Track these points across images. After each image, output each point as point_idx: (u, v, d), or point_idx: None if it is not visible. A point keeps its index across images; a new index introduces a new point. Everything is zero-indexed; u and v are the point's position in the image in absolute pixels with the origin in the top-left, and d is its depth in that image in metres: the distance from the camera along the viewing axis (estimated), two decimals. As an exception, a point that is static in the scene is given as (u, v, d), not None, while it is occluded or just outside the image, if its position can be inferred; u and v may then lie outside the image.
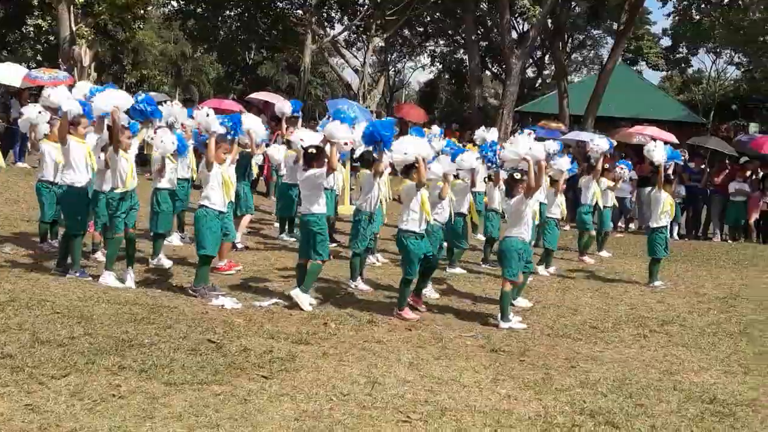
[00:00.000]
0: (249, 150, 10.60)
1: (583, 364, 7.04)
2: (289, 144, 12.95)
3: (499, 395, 5.94)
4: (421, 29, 40.93)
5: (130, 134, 8.74)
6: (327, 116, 13.05)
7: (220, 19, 33.85)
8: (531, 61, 42.47)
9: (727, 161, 19.50)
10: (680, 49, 48.69)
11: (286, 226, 12.97)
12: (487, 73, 46.05)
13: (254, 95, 24.47)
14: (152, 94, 28.23)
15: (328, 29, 34.14)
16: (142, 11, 26.72)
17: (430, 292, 9.43)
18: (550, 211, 11.75)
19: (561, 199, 11.81)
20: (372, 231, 10.01)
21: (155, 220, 9.74)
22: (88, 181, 8.84)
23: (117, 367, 5.70)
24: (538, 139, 10.09)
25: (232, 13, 34.45)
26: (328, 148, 8.52)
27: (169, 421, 4.83)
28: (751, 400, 6.20)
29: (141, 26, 30.47)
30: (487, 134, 12.44)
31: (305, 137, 10.06)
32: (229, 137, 8.72)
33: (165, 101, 13.85)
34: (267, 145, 13.03)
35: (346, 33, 36.37)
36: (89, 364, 5.69)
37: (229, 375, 5.81)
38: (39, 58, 34.81)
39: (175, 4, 34.54)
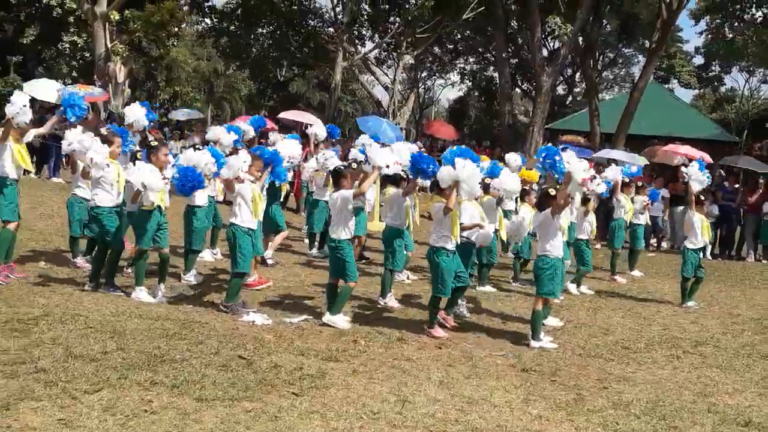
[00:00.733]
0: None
1: (615, 384, 6.96)
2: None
3: (530, 416, 5.89)
4: (452, 46, 41.04)
5: (167, 151, 8.85)
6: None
7: (252, 36, 34.19)
8: (561, 78, 42.37)
9: (760, 180, 19.26)
10: (713, 68, 48.36)
11: (316, 242, 13.01)
12: (517, 90, 46.01)
13: (285, 114, 24.63)
14: (186, 111, 28.61)
15: (359, 47, 34.35)
16: (176, 29, 27.09)
17: (462, 310, 9.39)
18: (580, 233, 11.62)
19: (592, 218, 11.69)
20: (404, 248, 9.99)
21: (190, 237, 9.82)
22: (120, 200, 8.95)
23: (149, 383, 5.74)
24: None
25: (265, 31, 34.77)
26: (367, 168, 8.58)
27: (201, 437, 4.86)
28: (787, 424, 6.10)
29: (175, 43, 30.86)
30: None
31: (329, 156, 10.35)
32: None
33: (199, 119, 13.98)
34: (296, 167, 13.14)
35: (376, 50, 36.58)
36: (122, 379, 5.74)
37: (260, 391, 5.83)
38: (74, 74, 35.33)
39: (208, 21, 34.94)
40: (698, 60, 48.71)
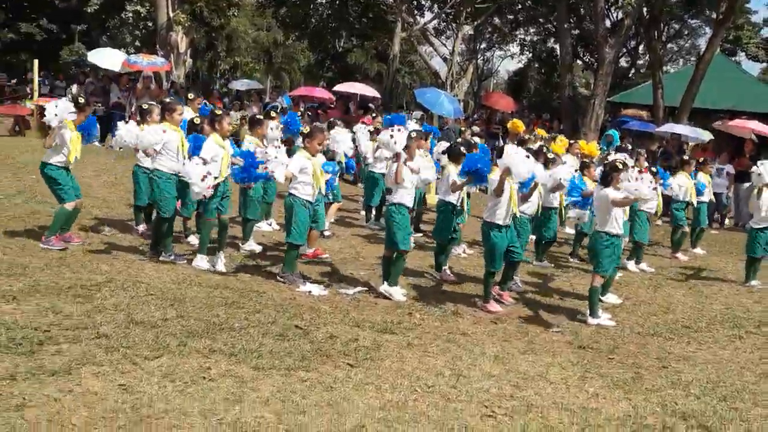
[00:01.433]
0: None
1: (674, 364, 6.85)
2: (377, 133, 13.04)
3: (587, 393, 5.83)
4: (512, 17, 40.37)
5: (230, 120, 8.89)
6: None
7: (311, 6, 34.22)
8: (625, 50, 41.43)
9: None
10: (782, 40, 46.76)
11: (373, 214, 13.03)
12: (579, 62, 45.16)
13: (342, 86, 24.64)
14: (245, 81, 28.78)
15: (417, 17, 34.06)
16: (237, -1, 27.23)
17: (516, 286, 9.33)
18: (643, 205, 11.37)
19: (656, 191, 11.41)
20: (457, 222, 9.92)
21: (245, 206, 9.91)
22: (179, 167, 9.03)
23: (208, 350, 5.83)
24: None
25: (324, 1, 34.74)
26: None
27: (257, 406, 4.92)
28: None
29: (235, 13, 31.02)
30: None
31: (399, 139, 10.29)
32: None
33: (257, 89, 14.12)
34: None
35: (435, 21, 36.24)
36: (181, 346, 5.84)
37: (316, 362, 5.88)
38: (137, 43, 35.85)
39: (268, -9, 35.05)
40: (766, 32, 47.15)
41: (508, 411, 5.31)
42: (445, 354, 6.46)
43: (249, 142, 9.93)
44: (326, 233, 11.32)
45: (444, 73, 32.41)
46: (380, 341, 6.58)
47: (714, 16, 28.75)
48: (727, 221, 18.29)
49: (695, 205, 13.26)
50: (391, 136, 8.64)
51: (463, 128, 18.24)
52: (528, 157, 8.07)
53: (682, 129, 21.19)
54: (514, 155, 7.94)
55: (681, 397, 5.92)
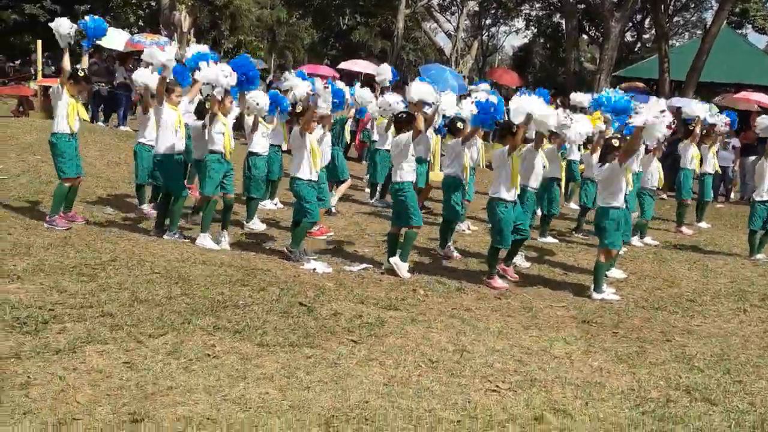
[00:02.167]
0: (344, 115, 10.89)
1: (679, 338, 6.85)
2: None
3: (590, 367, 5.84)
4: (517, -8, 40.20)
5: (231, 98, 8.89)
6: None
7: (315, -17, 34.01)
8: (630, 24, 41.14)
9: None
10: (790, 12, 46.30)
11: (378, 192, 13.02)
12: (584, 36, 44.90)
13: (346, 64, 24.54)
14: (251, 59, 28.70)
15: (422, -7, 33.87)
16: (240, -23, 27.09)
17: (520, 261, 9.33)
18: (645, 180, 11.33)
19: (657, 165, 11.36)
20: (462, 198, 9.91)
21: (248, 184, 9.92)
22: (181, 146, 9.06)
23: (212, 328, 5.85)
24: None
25: (327, -21, 34.56)
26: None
27: (262, 382, 4.94)
28: None
29: (238, -8, 30.91)
30: (584, 99, 12.20)
31: (392, 101, 10.30)
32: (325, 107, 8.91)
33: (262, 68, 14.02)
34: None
35: (440, -3, 36.04)
36: (185, 324, 5.86)
37: (320, 338, 5.89)
38: (140, 23, 35.74)
39: (271, -31, 34.84)
40: (774, 3, 46.69)
41: (512, 386, 5.32)
42: (449, 330, 6.47)
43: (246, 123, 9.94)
44: (333, 210, 11.34)
45: (449, 49, 32.31)
46: (384, 317, 6.59)
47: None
48: (732, 195, 18.23)
49: (698, 176, 13.20)
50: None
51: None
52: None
53: (687, 103, 21.06)
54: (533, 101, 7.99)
55: (685, 371, 5.92)
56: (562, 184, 11.31)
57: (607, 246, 8.17)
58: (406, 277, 8.23)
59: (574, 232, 11.88)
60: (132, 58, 20.70)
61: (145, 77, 9.74)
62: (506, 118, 8.52)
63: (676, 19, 47.92)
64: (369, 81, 23.22)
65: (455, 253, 9.60)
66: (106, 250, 7.87)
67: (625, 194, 8.39)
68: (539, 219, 11.15)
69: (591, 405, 5.09)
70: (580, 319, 7.25)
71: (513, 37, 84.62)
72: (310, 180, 8.52)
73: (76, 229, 8.74)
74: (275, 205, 11.62)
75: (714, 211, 15.07)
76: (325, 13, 38.05)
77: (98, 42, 21.35)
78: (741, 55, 29.00)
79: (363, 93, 11.90)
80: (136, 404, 4.46)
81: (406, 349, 5.83)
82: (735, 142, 17.53)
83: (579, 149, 12.47)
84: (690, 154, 12.83)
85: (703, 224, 13.56)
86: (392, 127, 9.30)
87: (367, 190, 13.66)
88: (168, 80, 8.91)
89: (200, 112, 9.22)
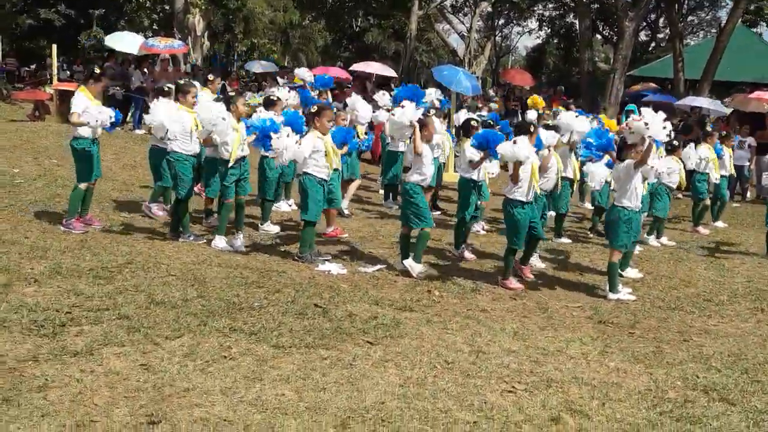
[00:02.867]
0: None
1: (696, 337, 6.81)
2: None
3: (607, 368, 5.82)
4: (530, -8, 40.07)
5: (244, 101, 8.92)
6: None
7: (328, -14, 34.05)
8: (645, 23, 40.95)
9: None
10: (805, 10, 45.94)
11: (391, 194, 13.02)
12: (598, 36, 44.73)
13: (359, 66, 24.52)
14: (262, 62, 28.72)
15: (434, -6, 33.86)
16: (253, -19, 27.16)
17: (536, 261, 9.30)
18: (665, 179, 11.27)
19: (679, 165, 11.32)
20: (478, 199, 9.88)
21: (263, 187, 9.95)
22: (196, 149, 9.09)
23: (228, 329, 5.87)
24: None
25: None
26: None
27: (278, 384, 4.95)
28: None
29: (252, -5, 30.97)
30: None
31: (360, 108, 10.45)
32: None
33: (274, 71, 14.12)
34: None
35: (452, -2, 36.00)
36: (202, 326, 5.88)
37: (335, 340, 5.90)
38: (155, 27, 35.90)
39: (284, -28, 34.93)
40: (789, 2, 46.34)
41: (528, 386, 5.31)
42: (464, 330, 6.46)
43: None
44: (345, 212, 11.34)
45: (462, 50, 32.25)
46: (399, 319, 6.59)
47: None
48: (748, 194, 18.11)
49: (716, 180, 13.10)
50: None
51: (479, 105, 18.14)
52: None
53: (703, 102, 20.95)
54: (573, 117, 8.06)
55: (702, 371, 5.88)
56: (575, 184, 11.27)
57: (619, 247, 8.13)
58: (420, 277, 8.21)
59: (589, 232, 11.83)
60: (147, 61, 20.82)
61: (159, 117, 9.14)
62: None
63: (690, 18, 47.66)
64: (381, 82, 23.27)
65: (470, 254, 9.59)
66: (122, 252, 7.91)
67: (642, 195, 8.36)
68: (553, 220, 11.11)
69: (608, 405, 5.07)
70: (596, 319, 7.23)
71: (526, 37, 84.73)
72: (322, 179, 8.52)
73: (93, 232, 8.79)
74: (290, 206, 11.64)
75: (730, 211, 14.98)
76: (338, 16, 38.08)
77: (112, 46, 21.54)
78: (756, 53, 28.81)
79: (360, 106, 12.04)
80: (153, 406, 4.48)
81: (421, 350, 5.83)
82: (751, 141, 17.41)
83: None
84: (706, 158, 12.75)
85: (720, 224, 13.47)
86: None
87: (381, 191, 13.66)
88: (184, 82, 8.96)
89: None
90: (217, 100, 9.59)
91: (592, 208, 12.44)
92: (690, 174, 13.04)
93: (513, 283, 8.27)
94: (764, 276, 9.58)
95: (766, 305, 8.14)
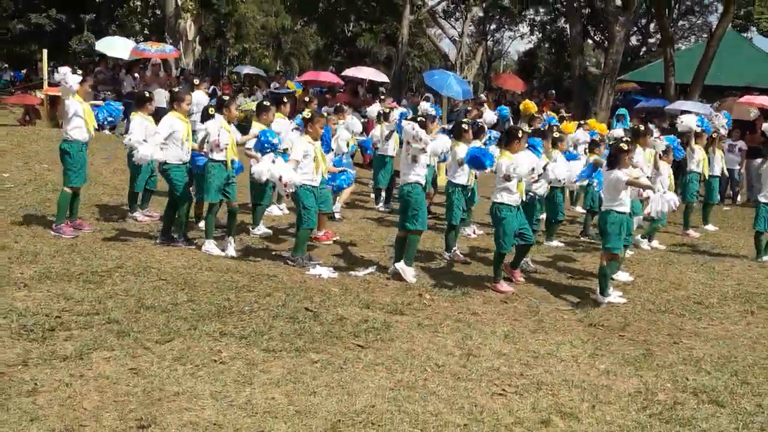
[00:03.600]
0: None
1: (686, 340, 6.83)
2: (385, 117, 13.04)
3: (597, 370, 5.83)
4: (521, -3, 40.18)
5: (238, 106, 8.92)
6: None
7: (320, -9, 34.09)
8: (635, 28, 41.12)
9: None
10: (795, 15, 46.19)
11: (382, 197, 13.03)
12: (589, 41, 44.89)
13: (351, 71, 24.53)
14: (251, 68, 28.66)
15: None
16: (245, -15, 27.18)
17: (527, 265, 9.32)
18: (655, 183, 11.33)
19: (668, 170, 11.38)
20: (465, 203, 9.88)
21: (255, 191, 9.93)
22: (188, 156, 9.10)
23: (218, 333, 5.86)
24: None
25: (332, -15, 34.63)
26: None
27: (268, 387, 4.95)
28: None
29: (243, 0, 30.95)
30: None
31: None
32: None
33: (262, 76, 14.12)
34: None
35: (444, 3, 36.05)
36: (192, 330, 5.87)
37: (326, 343, 5.89)
38: (146, 31, 35.90)
39: (276, -23, 34.96)
40: (780, 7, 46.59)
41: (519, 389, 5.31)
42: (455, 334, 6.47)
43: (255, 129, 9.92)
44: (337, 216, 11.34)
45: (453, 55, 32.30)
46: (390, 322, 6.59)
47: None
48: (739, 197, 18.18)
49: (707, 178, 13.18)
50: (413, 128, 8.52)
51: (469, 108, 18.16)
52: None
53: (693, 106, 21.03)
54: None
55: (692, 373, 5.90)
56: (567, 189, 11.31)
57: (610, 250, 8.15)
58: (412, 281, 8.22)
59: (580, 236, 11.86)
60: (138, 66, 20.78)
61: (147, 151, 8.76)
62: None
63: (681, 23, 47.86)
64: (373, 87, 23.28)
65: (461, 257, 9.60)
66: (112, 257, 7.89)
67: (631, 200, 8.39)
68: (544, 223, 11.13)
69: (598, 408, 5.08)
70: (586, 322, 7.24)
71: (518, 42, 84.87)
72: (313, 185, 8.54)
73: (83, 236, 8.77)
74: (281, 210, 11.63)
75: (721, 214, 15.04)
76: (329, 20, 38.05)
77: (103, 51, 21.51)
78: (746, 58, 28.93)
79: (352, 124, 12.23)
80: (142, 410, 4.47)
81: (412, 354, 5.83)
82: (741, 144, 17.48)
83: (585, 152, 12.46)
84: (697, 158, 12.84)
85: (710, 227, 13.52)
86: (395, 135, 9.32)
87: (373, 195, 13.68)
88: (179, 89, 8.96)
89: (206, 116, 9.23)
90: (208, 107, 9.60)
91: (584, 211, 12.47)
92: (678, 176, 13.11)
93: (503, 286, 8.27)
94: (754, 279, 9.61)
95: (755, 308, 8.17)
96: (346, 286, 7.81)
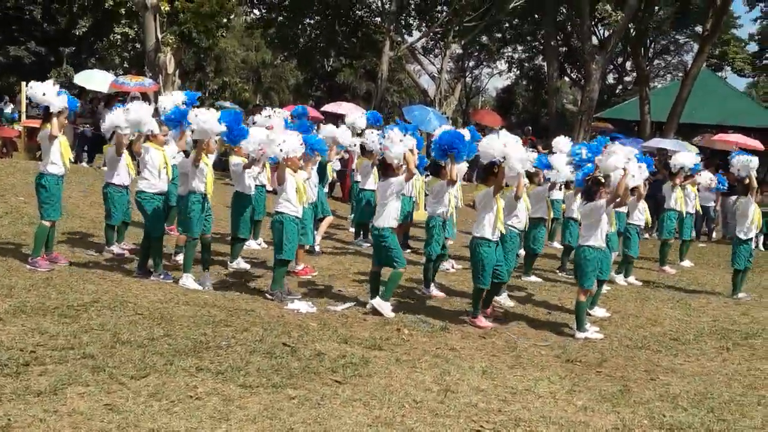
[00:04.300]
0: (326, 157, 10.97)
1: (662, 376, 6.86)
2: (363, 150, 13.09)
3: (575, 407, 5.83)
4: (499, 35, 40.67)
5: (216, 139, 8.93)
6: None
7: (300, 27, 34.26)
8: (611, 66, 41.74)
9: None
10: (768, 55, 47.07)
11: (362, 232, 13.03)
12: (566, 78, 45.49)
13: (330, 107, 24.67)
14: (228, 104, 28.73)
15: (405, 36, 34.21)
16: (225, 20, 27.26)
17: (504, 300, 9.34)
18: (632, 219, 11.47)
19: (643, 205, 11.53)
20: (444, 237, 9.91)
21: (236, 224, 9.91)
22: (165, 187, 9.10)
23: (194, 369, 5.81)
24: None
25: (312, 21, 34.84)
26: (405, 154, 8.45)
27: (244, 424, 4.90)
28: (841, 419, 5.94)
29: (224, 34, 31.08)
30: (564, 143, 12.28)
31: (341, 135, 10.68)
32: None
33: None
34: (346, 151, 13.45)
35: (423, 40, 36.41)
36: (168, 365, 5.81)
37: (303, 379, 5.86)
38: (126, 65, 35.91)
39: (257, 12, 35.15)
40: (752, 47, 47.52)
41: (497, 425, 5.30)
42: (433, 369, 6.45)
43: (235, 164, 9.93)
44: (317, 248, 11.33)
45: (432, 91, 32.52)
46: (368, 357, 6.57)
47: (700, 31, 29.01)
48: (714, 234, 18.38)
49: (685, 215, 13.33)
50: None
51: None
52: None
53: (669, 143, 21.32)
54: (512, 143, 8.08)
55: (669, 410, 5.92)
56: (548, 224, 11.40)
57: (588, 286, 8.20)
58: (390, 316, 8.21)
59: (558, 271, 11.92)
60: (117, 99, 20.76)
61: (116, 120, 9.23)
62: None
63: (657, 62, 48.68)
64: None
65: (439, 293, 9.61)
66: (88, 291, 7.82)
67: (607, 234, 8.46)
68: (523, 258, 11.19)
69: (575, 444, 5.08)
70: (564, 358, 7.26)
71: (496, 78, 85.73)
72: (296, 217, 8.53)
73: (59, 270, 8.69)
74: (259, 245, 11.60)
75: (696, 251, 15.18)
76: (309, 56, 38.23)
77: (81, 84, 21.48)
78: (721, 96, 29.44)
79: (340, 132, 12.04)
80: (117, 446, 4.41)
81: (390, 389, 5.81)
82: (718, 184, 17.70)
83: (560, 189, 12.55)
84: (675, 196, 13.00)
85: (686, 263, 13.65)
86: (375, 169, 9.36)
87: (352, 229, 13.68)
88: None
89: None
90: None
91: (561, 247, 12.55)
92: (655, 213, 13.24)
93: (482, 321, 8.28)
94: (729, 315, 9.70)
95: (731, 344, 8.23)
96: (325, 320, 7.78)
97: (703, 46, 25.27)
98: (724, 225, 18.36)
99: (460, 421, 5.32)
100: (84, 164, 17.83)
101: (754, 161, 10.71)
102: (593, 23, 30.60)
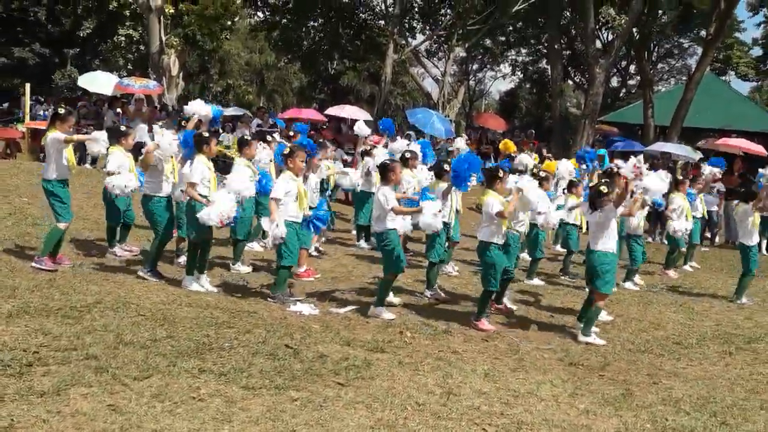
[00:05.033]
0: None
1: (665, 380, 6.86)
2: (367, 153, 13.11)
3: (577, 410, 5.83)
4: (503, 38, 40.68)
5: (218, 141, 8.98)
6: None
7: (304, 29, 34.32)
8: (615, 70, 41.74)
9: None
10: (772, 59, 47.01)
11: (364, 234, 13.04)
12: (570, 82, 45.50)
13: (333, 110, 24.68)
14: (234, 109, 28.82)
15: (409, 39, 34.25)
16: (229, 22, 27.35)
17: (507, 303, 9.34)
18: (634, 227, 11.42)
19: (642, 212, 11.48)
20: (445, 240, 9.91)
21: (236, 226, 9.90)
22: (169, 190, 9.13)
23: (197, 370, 5.81)
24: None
25: (316, 24, 34.90)
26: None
27: (247, 425, 4.91)
28: (844, 423, 5.94)
29: (228, 37, 31.13)
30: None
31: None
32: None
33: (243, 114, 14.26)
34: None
35: (427, 43, 36.44)
36: (171, 367, 5.82)
37: (306, 381, 5.86)
38: (130, 66, 36.00)
39: (261, 15, 35.23)
40: (756, 52, 47.48)
41: (499, 428, 5.30)
42: (435, 372, 6.46)
43: (239, 165, 9.94)
44: (313, 252, 11.31)
45: (436, 94, 32.58)
46: (371, 360, 6.57)
47: (704, 34, 29.01)
48: (717, 238, 18.36)
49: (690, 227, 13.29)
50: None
51: (450, 147, 18.33)
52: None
53: (672, 148, 21.31)
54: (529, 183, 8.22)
55: (671, 414, 5.92)
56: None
57: (605, 291, 8.15)
58: (390, 317, 8.19)
59: (560, 274, 11.92)
60: (120, 101, 20.82)
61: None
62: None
63: (660, 65, 48.66)
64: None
65: (442, 295, 9.61)
66: (91, 292, 7.83)
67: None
68: (527, 262, 11.20)
69: (578, 448, 5.08)
70: (566, 361, 7.26)
71: (500, 82, 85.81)
72: (294, 221, 8.51)
73: (62, 271, 8.70)
74: (262, 246, 11.60)
75: (699, 255, 15.16)
76: (313, 58, 38.26)
77: (85, 86, 21.54)
78: (724, 100, 29.42)
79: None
80: (119, 447, 4.42)
81: (392, 392, 5.81)
82: (720, 186, 17.70)
83: (563, 193, 12.57)
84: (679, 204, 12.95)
85: (689, 267, 13.63)
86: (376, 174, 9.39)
87: (354, 232, 13.69)
88: (161, 123, 9.01)
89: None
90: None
91: (564, 250, 12.55)
92: (658, 220, 13.23)
93: (485, 324, 8.28)
94: (732, 319, 9.69)
95: (734, 348, 8.23)
96: (327, 323, 7.79)
97: (707, 49, 25.25)
98: (726, 229, 18.34)
99: (463, 423, 5.33)
100: (87, 166, 17.86)
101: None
102: (597, 27, 30.58)
